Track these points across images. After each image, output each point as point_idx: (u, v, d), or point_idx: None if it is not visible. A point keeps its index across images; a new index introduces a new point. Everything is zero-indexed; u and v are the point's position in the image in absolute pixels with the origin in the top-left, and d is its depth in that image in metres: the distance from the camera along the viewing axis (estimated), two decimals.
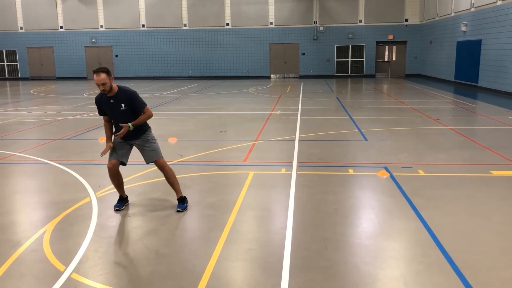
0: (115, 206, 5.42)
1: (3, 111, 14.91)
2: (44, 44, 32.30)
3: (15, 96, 21.52)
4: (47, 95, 21.14)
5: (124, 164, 5.34)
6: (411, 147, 8.65)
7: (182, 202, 5.44)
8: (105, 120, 5.36)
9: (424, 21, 28.44)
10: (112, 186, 5.48)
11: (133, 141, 5.34)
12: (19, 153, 8.51)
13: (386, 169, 6.95)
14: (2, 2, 31.74)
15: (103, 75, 4.93)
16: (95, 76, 4.95)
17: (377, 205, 5.50)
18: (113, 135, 5.38)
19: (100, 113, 5.33)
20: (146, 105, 5.28)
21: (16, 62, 32.96)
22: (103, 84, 4.95)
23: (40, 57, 32.66)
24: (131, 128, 5.11)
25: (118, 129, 5.25)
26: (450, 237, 4.48)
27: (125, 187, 5.59)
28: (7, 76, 33.06)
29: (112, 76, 5.09)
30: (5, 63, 33.03)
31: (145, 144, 5.31)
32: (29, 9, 31.72)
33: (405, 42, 30.04)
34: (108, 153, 5.30)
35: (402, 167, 7.09)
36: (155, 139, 5.42)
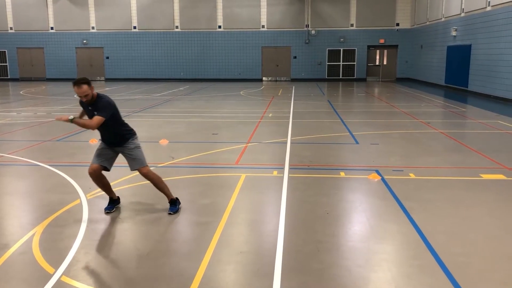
0: (105, 209, 5.38)
1: None
2: (35, 45, 32.05)
3: (5, 97, 21.29)
4: (37, 96, 20.96)
5: (107, 169, 5.28)
6: (402, 151, 8.69)
7: (174, 204, 5.41)
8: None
9: (415, 26, 28.68)
10: None
11: (117, 148, 5.30)
12: (8, 154, 8.41)
13: (378, 172, 6.98)
14: None
15: (85, 87, 4.84)
16: (75, 88, 4.84)
17: (369, 208, 5.51)
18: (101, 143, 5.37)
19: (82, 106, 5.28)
20: (103, 117, 4.94)
21: (6, 62, 32.65)
22: (85, 95, 4.89)
23: (30, 58, 32.37)
24: (71, 117, 4.86)
25: (103, 137, 5.26)
26: (441, 239, 4.50)
27: (115, 189, 5.55)
28: None
29: (92, 86, 4.97)
30: None
31: (128, 152, 5.25)
32: (19, 10, 31.46)
33: (396, 46, 30.25)
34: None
35: (393, 170, 7.13)
36: (139, 146, 5.34)
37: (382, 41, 30.09)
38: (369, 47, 30.43)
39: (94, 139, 9.62)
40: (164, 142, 9.46)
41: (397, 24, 29.87)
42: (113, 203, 5.47)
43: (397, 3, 29.58)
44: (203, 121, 12.78)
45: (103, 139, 5.31)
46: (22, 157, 8.17)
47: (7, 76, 32.70)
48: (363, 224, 5.01)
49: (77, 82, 4.84)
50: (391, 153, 8.43)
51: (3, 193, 6.10)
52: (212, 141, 9.77)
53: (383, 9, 29.62)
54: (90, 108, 5.05)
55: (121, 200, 5.65)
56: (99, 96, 5.06)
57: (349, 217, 5.28)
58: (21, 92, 22.84)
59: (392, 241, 4.55)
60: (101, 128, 5.11)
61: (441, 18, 24.02)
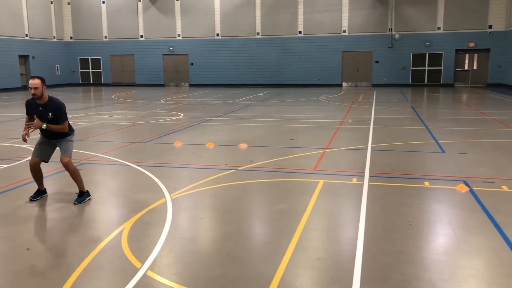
0: (30, 197, 5.98)
1: (87, 115, 15.95)
2: (126, 52, 34.23)
3: (98, 101, 22.97)
4: (127, 100, 22.35)
5: (45, 161, 5.99)
6: (493, 161, 8.13)
7: (81, 196, 5.94)
8: (28, 118, 5.89)
9: (511, 28, 26.72)
10: (187, 188, 5.69)
11: (55, 141, 5.94)
12: (101, 154, 9.04)
13: (465, 183, 6.58)
14: (91, 13, 34.09)
15: (37, 80, 5.59)
16: (30, 80, 5.61)
17: (455, 220, 5.22)
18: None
19: (27, 114, 5.90)
20: (66, 120, 5.87)
21: (100, 69, 35.21)
22: (35, 88, 5.58)
23: (121, 65, 34.64)
24: (43, 126, 5.62)
25: (43, 132, 5.83)
26: None
27: (198, 190, 5.75)
28: (91, 82, 35.41)
29: (45, 86, 5.70)
30: (90, 70, 35.40)
31: (64, 144, 5.90)
32: (113, 19, 33.80)
33: (488, 50, 28.40)
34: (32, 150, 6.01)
35: (483, 182, 6.68)
36: (72, 141, 6.03)
37: (472, 44, 28.40)
38: (457, 51, 28.88)
39: (178, 142, 10.06)
40: (243, 146, 9.64)
41: (490, 27, 28.04)
42: (39, 193, 6.08)
43: (490, 4, 27.80)
44: (281, 126, 12.86)
45: (43, 134, 5.88)
46: (113, 157, 8.74)
47: (101, 81, 35.23)
48: (448, 236, 4.76)
49: (33, 76, 5.67)
50: (481, 163, 7.91)
51: (96, 190, 6.56)
52: (290, 146, 9.80)
53: (474, 11, 27.96)
54: (40, 108, 5.68)
55: (203, 200, 5.85)
56: (50, 98, 5.72)
57: (433, 228, 5.04)
58: (113, 97, 24.49)
59: (481, 256, 4.26)
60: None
61: None
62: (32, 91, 5.58)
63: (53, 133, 5.85)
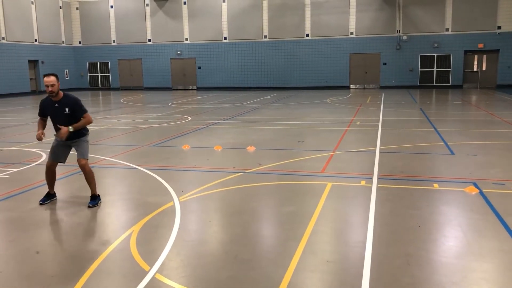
0: (40, 201, 6.01)
1: (96, 119, 16.04)
2: (134, 56, 34.42)
3: (107, 105, 23.11)
4: (135, 104, 22.46)
5: (62, 162, 6.04)
6: (503, 163, 8.05)
7: (94, 199, 5.97)
8: (41, 119, 5.93)
9: None
10: (195, 191, 5.69)
11: (71, 142, 5.92)
12: (109, 157, 9.09)
13: (475, 185, 6.53)
14: (99, 18, 34.36)
15: (52, 77, 5.61)
16: (45, 78, 5.62)
17: (465, 222, 5.18)
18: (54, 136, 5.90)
19: (40, 114, 5.95)
20: (87, 111, 5.89)
21: (108, 73, 35.44)
22: (52, 85, 5.60)
23: (129, 69, 34.83)
24: (71, 129, 5.64)
25: (58, 130, 5.75)
26: None
27: (206, 193, 5.76)
28: (100, 86, 35.64)
29: (59, 82, 5.73)
30: (99, 74, 35.64)
31: (80, 145, 5.91)
32: (121, 24, 34.02)
33: (497, 51, 28.20)
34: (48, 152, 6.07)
35: (494, 184, 6.62)
36: (88, 142, 6.04)
37: (481, 45, 28.21)
38: (466, 52, 28.70)
39: (186, 145, 10.08)
40: (251, 149, 9.64)
41: (499, 27, 27.85)
42: (49, 197, 6.10)
43: (498, 4, 27.61)
44: (289, 128, 12.84)
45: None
46: (121, 160, 8.78)
47: (110, 85, 35.45)
48: (459, 239, 4.71)
49: (48, 74, 5.68)
50: (491, 165, 7.84)
51: (105, 194, 6.58)
52: (297, 148, 9.78)
53: (482, 11, 27.80)
54: (56, 105, 5.69)
55: (211, 203, 5.86)
56: (65, 94, 5.75)
57: (442, 231, 5.00)
58: (121, 100, 24.62)
59: (492, 259, 4.22)
60: (64, 123, 5.69)
61: None
62: (50, 89, 5.58)
63: (70, 134, 5.80)
